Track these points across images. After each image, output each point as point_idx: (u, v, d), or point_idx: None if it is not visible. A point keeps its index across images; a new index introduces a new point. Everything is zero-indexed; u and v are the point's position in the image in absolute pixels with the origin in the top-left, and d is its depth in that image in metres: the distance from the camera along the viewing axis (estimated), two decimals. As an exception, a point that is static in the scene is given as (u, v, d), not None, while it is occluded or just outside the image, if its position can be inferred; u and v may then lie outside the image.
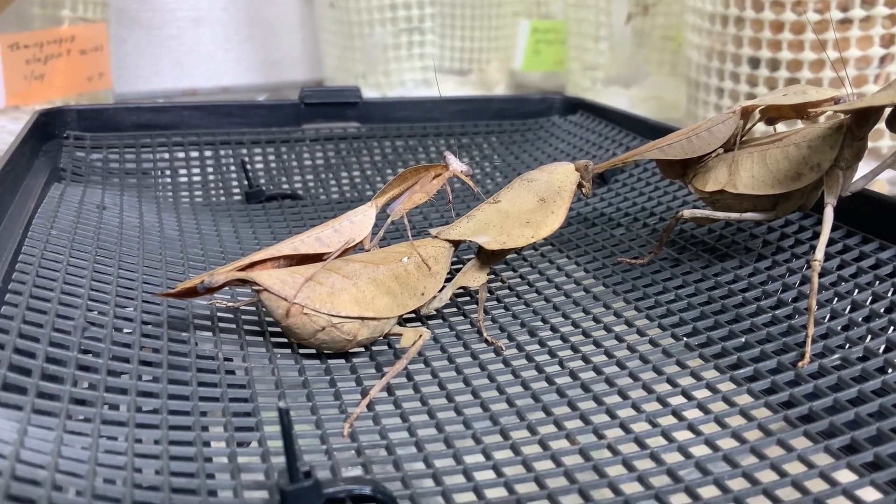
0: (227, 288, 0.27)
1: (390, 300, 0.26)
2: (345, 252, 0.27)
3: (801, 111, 0.28)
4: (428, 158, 0.46)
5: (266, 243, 0.35)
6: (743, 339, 0.26)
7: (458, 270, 0.29)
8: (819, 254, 0.25)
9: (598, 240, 0.35)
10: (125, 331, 0.25)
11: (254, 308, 0.29)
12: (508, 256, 0.33)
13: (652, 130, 0.44)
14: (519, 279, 0.33)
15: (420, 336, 0.25)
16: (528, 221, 0.28)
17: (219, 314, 0.28)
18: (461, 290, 0.30)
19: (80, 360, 0.23)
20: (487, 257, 0.28)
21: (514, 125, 0.50)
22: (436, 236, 0.29)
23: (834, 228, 0.31)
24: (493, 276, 0.32)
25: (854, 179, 0.27)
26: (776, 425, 0.22)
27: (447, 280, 0.29)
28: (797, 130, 0.28)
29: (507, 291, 0.32)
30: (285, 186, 0.43)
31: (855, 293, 0.28)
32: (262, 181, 0.43)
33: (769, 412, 0.23)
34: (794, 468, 0.20)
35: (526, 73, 0.93)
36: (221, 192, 0.42)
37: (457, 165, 0.29)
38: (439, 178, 0.29)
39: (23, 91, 0.60)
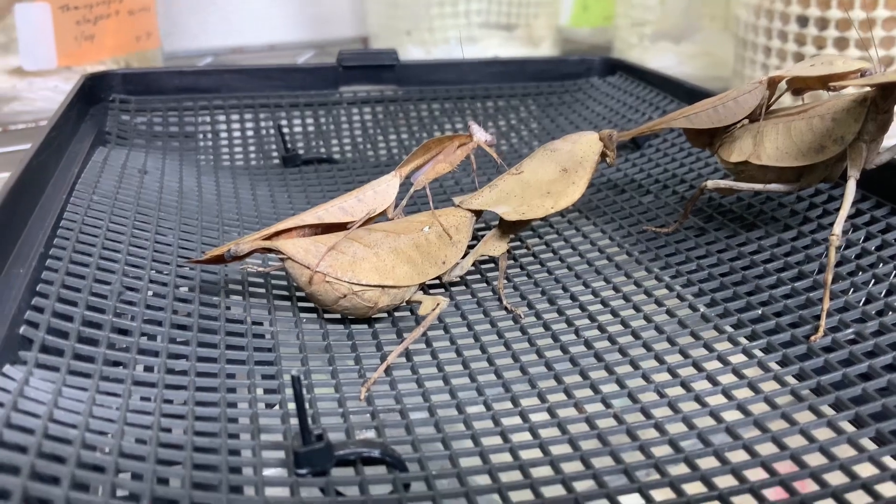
0: (256, 254, 0.28)
1: (410, 269, 0.27)
2: (368, 221, 0.28)
3: (827, 83, 0.27)
4: (464, 122, 0.46)
5: (300, 207, 0.37)
6: (759, 311, 0.27)
7: (482, 238, 0.30)
8: (837, 228, 0.25)
9: (626, 207, 0.35)
10: (160, 294, 0.26)
11: (283, 273, 0.30)
12: (534, 223, 0.33)
13: (689, 94, 0.43)
14: (544, 246, 0.33)
15: (437, 305, 0.26)
16: (548, 192, 0.29)
17: (250, 279, 0.29)
18: (483, 258, 0.30)
19: (116, 323, 0.24)
20: (508, 227, 0.29)
21: (551, 87, 0.50)
22: (458, 205, 0.29)
23: (862, 199, 0.31)
24: (518, 243, 0.33)
25: (880, 152, 0.27)
26: (783, 399, 0.23)
27: (470, 248, 0.29)
28: (822, 102, 0.27)
29: (530, 258, 0.32)
30: (323, 150, 0.44)
31: (879, 266, 0.27)
32: (301, 145, 0.44)
33: (777, 385, 0.23)
34: (795, 441, 0.21)
35: (573, 28, 0.92)
36: (260, 155, 0.43)
37: (481, 135, 0.29)
38: (463, 148, 0.29)
39: (73, 51, 0.61)
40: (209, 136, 0.44)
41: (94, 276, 0.26)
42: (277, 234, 0.27)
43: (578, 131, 0.31)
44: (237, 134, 0.44)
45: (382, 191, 0.28)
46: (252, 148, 0.44)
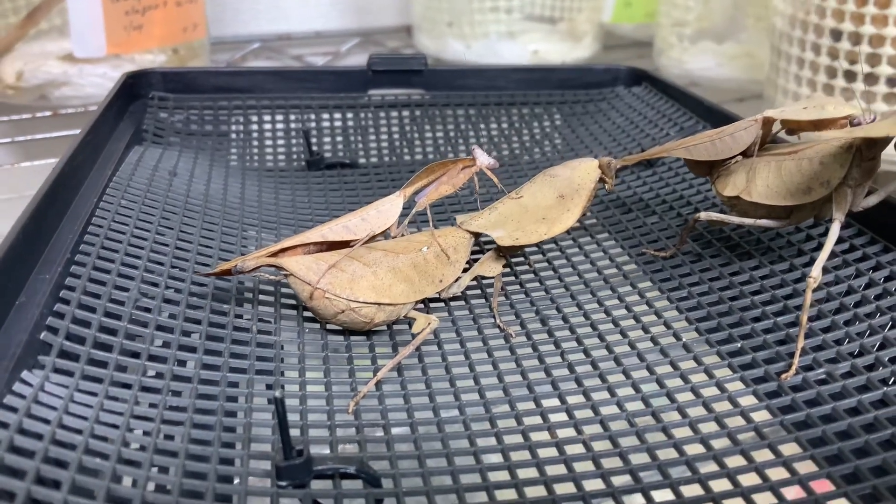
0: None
1: (407, 287, 0.28)
2: (372, 239, 0.30)
3: (817, 126, 0.28)
4: (488, 131, 0.48)
5: (319, 213, 0.38)
6: (739, 345, 0.28)
7: (481, 256, 0.31)
8: (815, 270, 0.26)
9: (630, 227, 0.36)
10: (173, 301, 0.28)
11: (292, 282, 0.31)
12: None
13: (708, 112, 0.44)
14: (546, 263, 0.34)
15: (429, 324, 0.27)
16: (544, 218, 0.30)
17: (261, 286, 0.31)
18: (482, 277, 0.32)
19: (130, 329, 0.26)
20: (504, 249, 0.30)
21: (576, 95, 0.51)
22: (459, 225, 0.31)
23: (858, 234, 0.32)
24: (521, 258, 0.34)
25: (873, 191, 0.28)
26: (745, 435, 0.24)
27: (469, 267, 0.31)
28: (812, 144, 0.28)
29: (531, 276, 0.33)
30: (351, 153, 0.45)
31: (861, 306, 0.28)
32: (328, 147, 0.46)
33: (743, 421, 0.24)
34: (749, 479, 0.22)
35: (616, 24, 0.92)
36: (287, 157, 0.45)
37: (484, 160, 0.31)
38: (466, 172, 0.31)
39: (122, 41, 0.64)
40: (241, 136, 0.46)
41: (114, 283, 0.28)
42: (283, 250, 0.28)
43: (582, 156, 0.32)
44: (268, 135, 0.46)
45: (385, 210, 0.30)
46: (281, 150, 0.45)
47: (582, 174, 0.31)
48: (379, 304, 0.28)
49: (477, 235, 0.31)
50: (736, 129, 0.30)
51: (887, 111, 0.24)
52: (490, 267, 0.30)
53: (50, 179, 0.31)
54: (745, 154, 0.30)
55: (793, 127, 0.29)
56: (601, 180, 0.31)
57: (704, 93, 0.81)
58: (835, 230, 0.27)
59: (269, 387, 0.26)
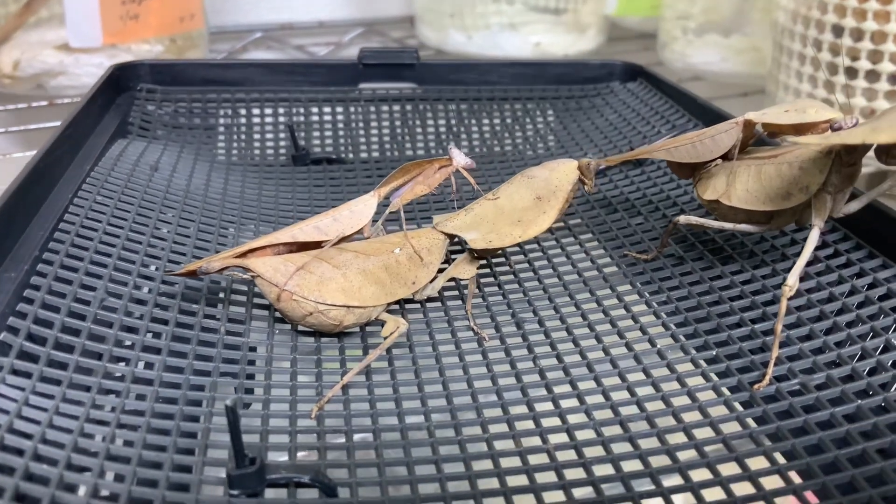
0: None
1: (378, 289, 0.28)
2: (345, 239, 0.29)
3: (799, 130, 0.27)
4: (479, 128, 0.47)
5: (301, 209, 0.38)
6: (714, 353, 0.27)
7: (455, 258, 0.31)
8: (791, 279, 0.25)
9: (614, 228, 0.36)
10: (141, 301, 0.28)
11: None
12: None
13: (701, 110, 0.43)
14: (526, 264, 0.34)
15: (397, 328, 0.27)
16: (519, 220, 0.29)
17: (234, 285, 0.31)
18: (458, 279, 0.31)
19: (93, 330, 0.26)
20: (478, 251, 0.30)
21: (571, 90, 0.50)
22: (434, 226, 0.30)
23: (844, 239, 0.31)
24: (502, 259, 0.34)
25: (849, 201, 0.27)
26: (712, 447, 0.23)
27: (445, 267, 0.30)
28: (793, 148, 0.27)
29: (510, 276, 0.33)
30: (340, 148, 0.45)
31: (841, 315, 0.28)
32: (317, 142, 0.45)
33: (713, 433, 0.24)
34: (714, 494, 0.21)
35: (621, 17, 0.91)
36: (273, 152, 0.44)
37: (461, 160, 0.30)
38: (442, 172, 0.30)
39: (118, 31, 0.63)
40: (228, 130, 0.45)
41: (80, 282, 0.28)
42: (253, 250, 0.28)
43: (572, 153, 0.31)
44: (257, 129, 0.46)
45: (359, 211, 0.29)
46: (269, 143, 0.45)
47: (560, 176, 0.30)
48: (348, 306, 0.27)
49: (452, 237, 0.30)
50: (717, 131, 0.29)
51: (874, 115, 0.23)
52: (464, 269, 0.30)
53: (22, 175, 0.31)
54: (726, 157, 0.30)
55: (774, 130, 0.28)
56: (581, 182, 0.31)
57: (709, 87, 0.80)
58: (814, 237, 0.26)
59: (236, 390, 0.26)
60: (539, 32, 0.80)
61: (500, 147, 0.46)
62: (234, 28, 0.89)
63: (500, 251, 0.31)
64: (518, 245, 0.35)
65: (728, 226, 0.29)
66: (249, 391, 0.26)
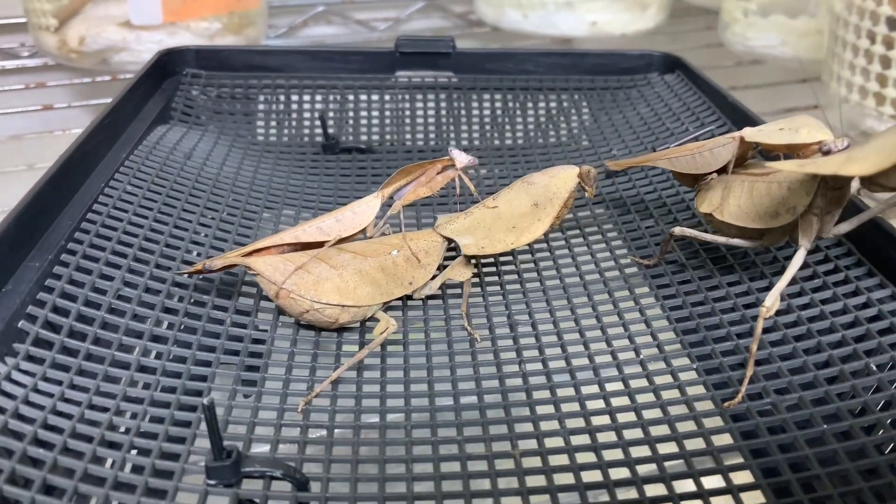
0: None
1: (373, 290, 0.29)
2: (348, 239, 0.31)
3: (791, 150, 0.27)
4: (512, 122, 0.47)
5: (324, 197, 0.39)
6: (695, 366, 0.28)
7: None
8: (769, 299, 0.25)
9: (624, 230, 0.36)
10: (155, 291, 0.30)
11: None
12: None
13: (731, 109, 0.43)
14: (532, 264, 0.34)
15: (386, 328, 0.28)
16: (514, 226, 0.30)
17: (246, 277, 0.32)
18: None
19: (106, 319, 0.28)
20: (472, 254, 0.31)
21: (607, 81, 0.50)
22: (435, 228, 0.31)
23: (847, 254, 0.31)
24: (509, 257, 0.35)
25: (839, 223, 0.27)
26: (673, 462, 0.24)
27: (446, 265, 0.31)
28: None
29: (514, 276, 0.34)
30: (374, 137, 0.46)
31: (827, 335, 0.28)
32: (351, 130, 0.46)
33: (675, 447, 0.24)
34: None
35: (683, -8, 0.89)
36: (306, 140, 0.46)
37: (462, 159, 0.31)
38: (444, 175, 0.31)
39: (178, 9, 0.66)
40: (269, 115, 0.47)
41: (100, 272, 0.30)
42: (258, 251, 0.30)
43: (599, 148, 0.31)
44: (294, 116, 0.47)
45: (361, 212, 0.30)
46: (305, 131, 0.47)
47: (559, 182, 0.31)
48: (343, 305, 0.29)
49: (450, 239, 0.31)
50: (715, 144, 0.30)
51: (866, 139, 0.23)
52: (460, 272, 0.31)
53: (56, 165, 0.33)
54: (723, 171, 0.30)
55: (768, 149, 0.28)
56: (581, 188, 0.31)
57: (769, 72, 0.78)
58: (799, 257, 0.26)
59: (244, 383, 0.27)
60: (596, 10, 0.79)
61: (541, 139, 0.46)
62: (296, 2, 0.90)
63: (493, 257, 0.32)
64: (527, 245, 0.36)
65: (721, 240, 0.29)
66: (250, 383, 0.28)
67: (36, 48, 0.67)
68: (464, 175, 0.31)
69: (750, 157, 0.30)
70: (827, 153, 0.25)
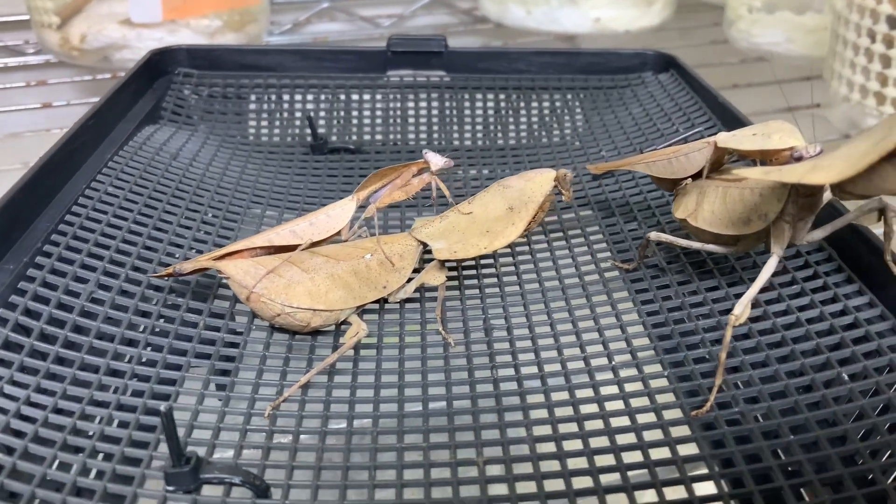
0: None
1: (345, 293, 0.29)
2: (324, 241, 0.31)
3: (763, 155, 0.27)
4: (504, 122, 0.47)
5: (310, 198, 0.39)
6: (666, 373, 0.27)
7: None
8: (738, 308, 0.25)
9: (606, 233, 0.36)
10: (129, 293, 0.30)
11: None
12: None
13: (722, 110, 0.42)
14: (512, 267, 0.34)
15: (357, 333, 0.28)
16: (488, 230, 0.30)
17: (222, 280, 0.32)
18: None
19: (78, 322, 0.28)
20: (445, 259, 0.31)
21: (601, 80, 0.50)
22: (410, 232, 0.31)
23: (827, 260, 0.30)
24: (490, 260, 0.34)
25: (813, 230, 0.26)
26: (637, 472, 0.24)
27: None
28: (756, 173, 0.27)
29: (493, 280, 0.34)
30: (366, 136, 0.46)
31: (802, 342, 0.27)
32: (342, 129, 0.46)
33: (641, 457, 0.24)
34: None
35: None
36: (295, 140, 0.46)
37: (437, 161, 0.31)
38: (420, 178, 0.31)
39: (178, 6, 0.66)
40: (259, 115, 0.47)
41: (74, 275, 0.30)
42: (230, 254, 0.30)
43: (589, 148, 0.31)
44: (283, 116, 0.47)
45: (336, 215, 0.30)
46: (296, 130, 0.46)
47: (535, 186, 0.30)
48: (314, 309, 0.29)
49: (424, 243, 0.31)
50: (690, 149, 0.29)
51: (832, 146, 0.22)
52: (434, 276, 0.31)
53: (35, 168, 0.33)
54: (699, 176, 0.29)
55: (741, 155, 0.28)
56: (557, 192, 0.31)
57: (773, 69, 0.77)
58: (770, 265, 0.26)
59: (218, 388, 0.27)
60: (600, 6, 0.79)
61: (533, 140, 0.46)
62: (300, -1, 0.90)
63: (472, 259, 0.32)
64: (508, 246, 0.35)
65: (696, 245, 0.29)
66: (220, 387, 0.28)
67: (39, 45, 0.67)
68: (438, 179, 0.30)
69: (731, 161, 0.29)
70: (798, 159, 0.25)
